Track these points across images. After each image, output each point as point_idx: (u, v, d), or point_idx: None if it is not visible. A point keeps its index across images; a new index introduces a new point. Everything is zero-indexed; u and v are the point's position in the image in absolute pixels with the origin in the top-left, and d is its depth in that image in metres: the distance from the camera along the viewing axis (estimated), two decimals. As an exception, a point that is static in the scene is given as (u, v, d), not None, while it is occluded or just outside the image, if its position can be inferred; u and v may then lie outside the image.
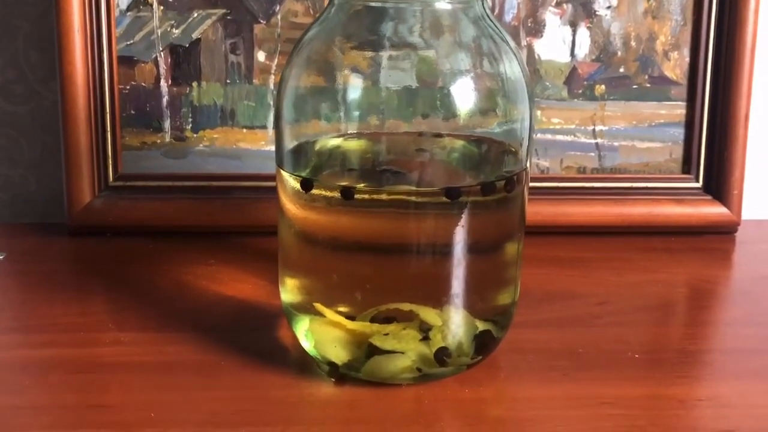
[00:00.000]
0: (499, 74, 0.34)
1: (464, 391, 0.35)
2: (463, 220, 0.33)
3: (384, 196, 0.34)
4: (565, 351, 0.38)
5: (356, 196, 0.33)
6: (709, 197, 0.52)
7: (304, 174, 0.35)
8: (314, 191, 0.34)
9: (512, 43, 0.35)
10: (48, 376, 0.36)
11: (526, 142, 0.35)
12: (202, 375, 0.36)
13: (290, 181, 0.35)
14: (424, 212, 0.33)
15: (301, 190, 0.34)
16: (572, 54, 0.51)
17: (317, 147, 0.35)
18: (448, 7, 0.34)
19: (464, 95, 0.34)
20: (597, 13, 0.51)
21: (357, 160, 0.35)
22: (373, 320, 0.34)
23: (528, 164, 0.36)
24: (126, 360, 0.37)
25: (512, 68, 0.34)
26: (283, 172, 0.35)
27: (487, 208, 0.34)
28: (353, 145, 0.35)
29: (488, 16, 0.35)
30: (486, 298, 0.35)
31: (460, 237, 0.33)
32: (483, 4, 0.34)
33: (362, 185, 0.34)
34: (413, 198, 0.33)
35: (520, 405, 0.34)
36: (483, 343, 0.35)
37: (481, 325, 0.35)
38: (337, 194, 0.33)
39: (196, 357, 0.37)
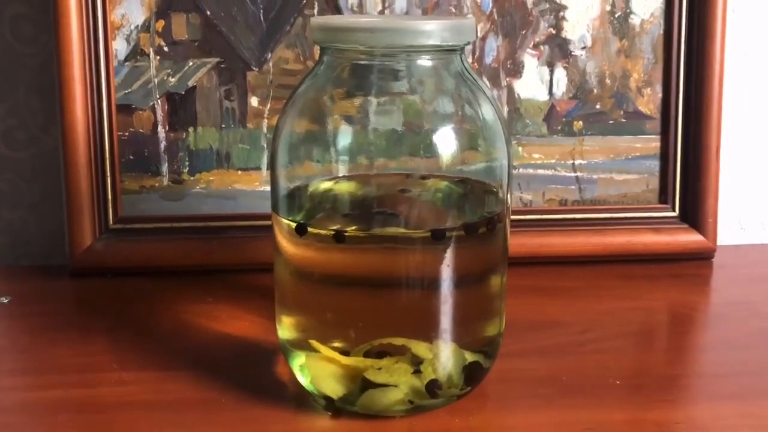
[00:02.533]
0: (478, 119, 0.36)
1: (454, 421, 0.36)
2: (449, 257, 0.35)
3: (374, 237, 0.35)
4: (550, 379, 0.39)
5: (347, 235, 0.34)
6: (686, 225, 0.53)
7: (298, 218, 0.36)
8: (309, 233, 0.35)
9: (488, 92, 0.37)
10: (56, 416, 0.37)
11: (505, 181, 0.37)
12: (204, 411, 0.37)
13: (285, 225, 0.36)
14: (413, 251, 0.35)
15: (296, 234, 0.36)
16: (550, 92, 0.53)
17: (310, 191, 0.36)
18: (429, 63, 0.35)
19: (447, 138, 0.35)
20: (573, 53, 0.53)
21: (348, 202, 0.37)
22: (366, 355, 0.35)
23: (509, 201, 0.37)
24: (130, 399, 0.38)
25: (489, 114, 0.36)
26: (278, 217, 0.37)
27: (471, 245, 0.35)
28: (344, 187, 0.36)
29: (466, 69, 0.36)
30: (473, 330, 0.36)
31: (446, 273, 0.35)
32: (461, 58, 0.36)
33: (353, 228, 0.35)
34: (402, 238, 0.35)
35: (507, 432, 0.36)
36: (472, 374, 0.36)
37: (469, 357, 0.36)
38: (330, 236, 0.35)
39: (198, 394, 0.38)
